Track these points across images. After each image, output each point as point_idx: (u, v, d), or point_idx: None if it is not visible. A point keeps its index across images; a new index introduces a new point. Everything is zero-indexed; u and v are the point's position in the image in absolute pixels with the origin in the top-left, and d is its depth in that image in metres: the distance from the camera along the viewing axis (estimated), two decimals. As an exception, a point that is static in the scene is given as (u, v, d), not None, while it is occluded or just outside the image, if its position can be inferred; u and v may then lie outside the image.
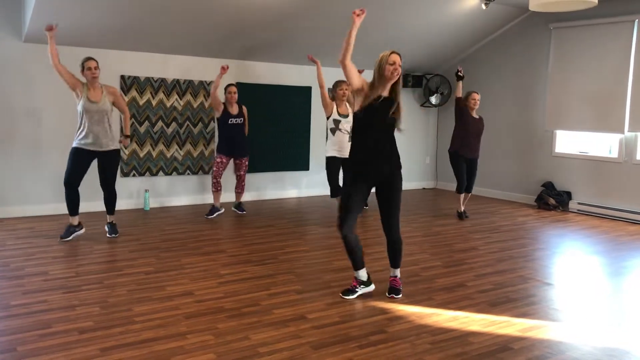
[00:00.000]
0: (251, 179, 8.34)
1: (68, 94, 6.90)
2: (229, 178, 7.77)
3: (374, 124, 4.15)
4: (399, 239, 4.31)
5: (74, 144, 5.69)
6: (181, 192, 7.92)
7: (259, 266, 5.06)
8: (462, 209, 7.50)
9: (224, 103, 7.05)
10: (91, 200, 7.10)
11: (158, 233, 6.21)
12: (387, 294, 4.34)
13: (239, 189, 7.36)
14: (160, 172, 7.69)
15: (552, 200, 8.25)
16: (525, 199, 8.85)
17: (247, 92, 8.09)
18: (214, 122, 7.97)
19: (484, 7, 7.79)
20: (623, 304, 4.38)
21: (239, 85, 8.05)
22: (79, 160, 5.69)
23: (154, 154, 7.61)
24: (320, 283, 4.62)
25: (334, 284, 4.58)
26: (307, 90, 8.79)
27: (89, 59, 5.64)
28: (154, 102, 7.53)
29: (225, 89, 7.07)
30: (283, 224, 6.87)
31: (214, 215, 7.08)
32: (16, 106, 6.71)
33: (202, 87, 7.86)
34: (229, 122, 7.01)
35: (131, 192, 7.54)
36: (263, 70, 8.38)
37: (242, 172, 7.27)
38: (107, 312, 3.86)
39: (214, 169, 7.10)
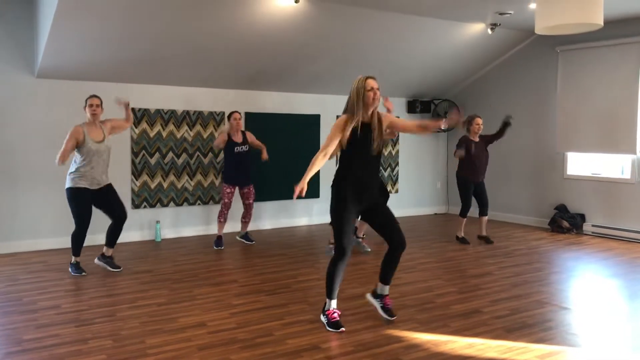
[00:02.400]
0: (262, 207, 8.34)
1: (80, 128, 6.98)
2: (234, 207, 7.76)
3: (363, 154, 4.13)
4: (405, 240, 4.27)
5: (75, 185, 5.56)
6: (192, 223, 7.92)
7: (271, 296, 5.03)
8: (462, 234, 7.47)
9: (227, 133, 7.03)
10: (97, 232, 7.13)
11: (170, 264, 6.20)
12: (384, 314, 4.33)
13: (247, 217, 7.31)
14: (171, 203, 7.72)
15: (566, 223, 8.17)
16: (538, 222, 8.77)
17: (256, 121, 8.15)
18: (223, 152, 8.00)
19: (489, 31, 7.84)
20: (643, 328, 4.30)
21: (248, 115, 8.12)
22: (87, 200, 5.64)
23: (165, 185, 7.65)
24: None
25: (347, 313, 4.53)
26: (315, 118, 8.83)
27: (92, 96, 5.70)
28: (164, 134, 7.59)
29: (229, 116, 7.04)
30: (295, 252, 6.84)
31: (221, 247, 7.04)
32: (28, 140, 6.78)
33: (212, 118, 7.92)
34: (235, 150, 6.99)
35: (142, 224, 7.55)
36: (271, 99, 8.44)
37: (251, 201, 7.21)
38: (119, 345, 3.84)
39: (225, 200, 7.03)
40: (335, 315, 4.19)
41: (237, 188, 7.16)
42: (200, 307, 4.69)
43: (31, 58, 6.76)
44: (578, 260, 6.57)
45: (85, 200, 5.62)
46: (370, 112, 4.12)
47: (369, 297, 4.49)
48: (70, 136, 5.50)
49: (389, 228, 4.25)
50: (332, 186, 4.32)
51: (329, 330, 4.13)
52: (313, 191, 8.91)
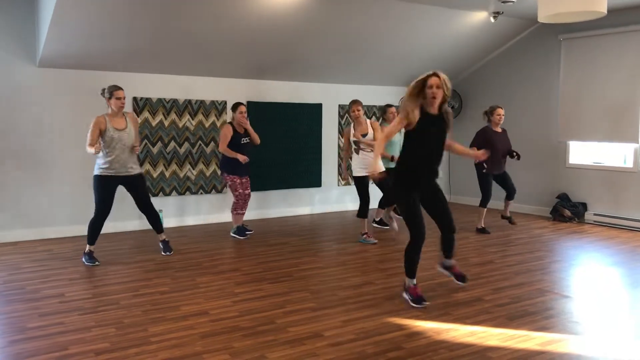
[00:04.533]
0: (264, 196, 8.36)
1: (82, 117, 6.99)
2: (228, 198, 7.76)
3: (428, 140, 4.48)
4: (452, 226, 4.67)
5: (100, 172, 5.69)
6: (194, 212, 7.94)
7: (273, 284, 5.04)
8: (482, 224, 7.47)
9: (230, 124, 6.89)
10: (107, 221, 7.17)
11: (173, 253, 6.22)
12: (456, 281, 4.81)
13: (244, 208, 7.09)
14: (174, 192, 7.73)
15: (568, 211, 8.17)
16: (540, 211, 8.78)
17: (259, 110, 8.14)
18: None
19: (492, 19, 7.80)
20: (644, 316, 4.31)
21: (250, 104, 8.11)
22: (108, 188, 5.75)
23: (167, 174, 7.66)
24: (336, 300, 4.59)
25: (349, 301, 4.55)
26: (318, 107, 8.82)
27: (118, 88, 5.69)
28: (166, 123, 7.59)
29: (235, 108, 6.87)
30: (297, 241, 6.85)
31: (249, 233, 7.06)
32: (31, 129, 6.79)
33: (214, 107, 7.91)
34: (241, 142, 6.87)
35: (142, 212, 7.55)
36: (274, 88, 8.42)
37: (248, 191, 7.01)
38: (123, 333, 3.86)
39: (240, 191, 6.87)
40: (418, 291, 4.49)
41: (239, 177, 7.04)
42: (203, 295, 4.72)
43: (32, 47, 6.75)
44: (580, 249, 6.58)
45: (107, 188, 5.72)
46: (436, 105, 4.42)
47: (439, 268, 4.95)
48: (93, 126, 5.57)
49: (445, 216, 4.64)
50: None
51: (413, 307, 4.39)
52: (315, 180, 8.91)
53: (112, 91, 5.66)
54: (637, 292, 4.96)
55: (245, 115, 6.88)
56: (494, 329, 3.96)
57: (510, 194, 7.52)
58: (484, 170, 7.29)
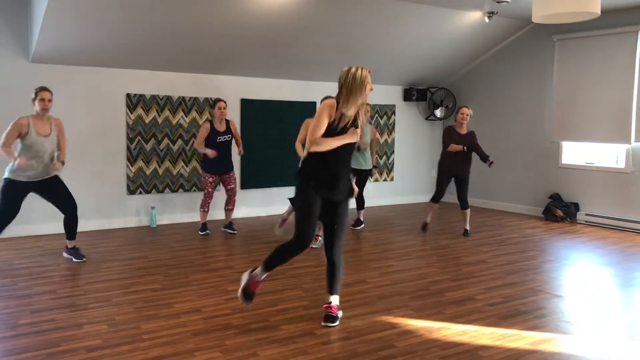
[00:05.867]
0: (256, 194, 8.35)
1: (73, 113, 6.96)
2: (222, 196, 7.76)
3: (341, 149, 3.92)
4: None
5: (11, 176, 5.32)
6: (188, 209, 7.92)
7: (266, 282, 5.03)
8: (429, 219, 7.27)
9: (210, 121, 6.85)
10: (95, 219, 7.16)
11: (165, 250, 6.21)
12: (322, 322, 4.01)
13: (231, 205, 7.10)
14: (167, 189, 7.71)
15: (560, 211, 8.20)
16: (532, 211, 8.81)
17: (252, 108, 8.13)
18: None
19: (486, 20, 7.82)
20: (634, 316, 4.33)
21: (244, 101, 8.10)
22: (19, 193, 5.42)
23: (160, 171, 7.64)
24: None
25: (341, 299, 4.54)
26: (311, 106, 8.81)
27: (43, 89, 5.35)
28: (159, 120, 7.57)
29: (214, 104, 6.82)
30: (289, 239, 6.83)
31: (207, 232, 7.03)
32: (23, 126, 6.75)
33: (208, 104, 7.89)
34: (217, 140, 6.79)
35: (138, 210, 7.55)
36: (268, 86, 8.41)
37: (232, 186, 7.02)
38: (115, 330, 3.85)
39: (209, 189, 6.90)
40: (259, 286, 4.10)
41: (217, 177, 7.02)
42: (196, 292, 4.71)
43: (25, 43, 6.71)
44: (571, 249, 6.61)
45: (17, 193, 5.41)
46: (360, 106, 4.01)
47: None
48: (12, 133, 5.22)
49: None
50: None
51: (237, 298, 4.07)
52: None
53: (38, 91, 5.34)
54: (628, 292, 4.99)
55: (225, 111, 6.84)
56: (485, 328, 3.97)
57: (464, 202, 7.15)
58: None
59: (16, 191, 5.40)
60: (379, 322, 4.08)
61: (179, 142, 7.74)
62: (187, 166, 7.83)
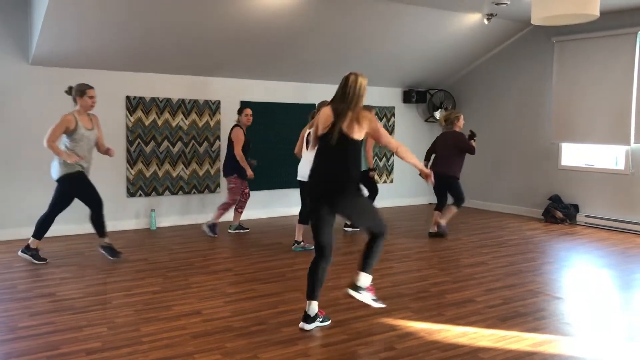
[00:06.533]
0: (257, 196, 8.34)
1: (74, 116, 6.95)
2: (221, 198, 7.76)
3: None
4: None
5: (66, 171, 5.53)
6: (187, 211, 7.92)
7: (266, 284, 5.04)
8: (435, 226, 7.24)
9: (239, 127, 7.02)
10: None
11: (165, 252, 6.21)
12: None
13: (243, 207, 7.32)
14: (167, 192, 7.71)
15: (560, 213, 8.20)
16: (532, 213, 8.81)
17: (252, 110, 8.12)
18: (219, 140, 8.00)
19: (486, 22, 7.82)
20: (634, 317, 4.33)
21: (243, 103, 8.11)
22: (87, 181, 5.65)
23: (160, 173, 7.64)
24: (328, 300, 4.59)
25: (341, 302, 4.55)
26: (308, 108, 8.80)
27: (91, 87, 5.59)
28: (159, 122, 7.57)
29: (242, 111, 7.07)
30: (289, 241, 6.85)
31: (247, 229, 7.37)
32: (22, 128, 6.76)
33: (207, 107, 7.90)
34: (249, 145, 7.17)
35: (138, 212, 7.55)
36: (267, 88, 8.42)
37: (248, 189, 7.26)
38: (114, 333, 3.85)
39: (245, 190, 7.18)
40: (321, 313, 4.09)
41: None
42: (195, 295, 4.71)
43: (25, 45, 6.71)
44: (571, 251, 6.61)
45: (88, 182, 5.68)
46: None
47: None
48: (60, 131, 5.43)
49: None
50: (355, 183, 3.99)
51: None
52: (308, 180, 8.90)
53: (85, 89, 5.55)
54: (628, 294, 4.99)
55: (251, 118, 7.10)
56: (485, 330, 3.97)
57: (440, 202, 7.25)
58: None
59: (79, 180, 5.59)
60: (379, 324, 4.08)
61: (179, 144, 7.74)
62: (186, 169, 7.83)
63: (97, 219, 5.71)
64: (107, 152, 5.77)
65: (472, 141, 7.06)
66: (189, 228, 7.60)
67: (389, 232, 4.07)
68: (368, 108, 7.13)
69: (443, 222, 7.12)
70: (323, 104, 6.08)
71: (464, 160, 7.15)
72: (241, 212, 7.30)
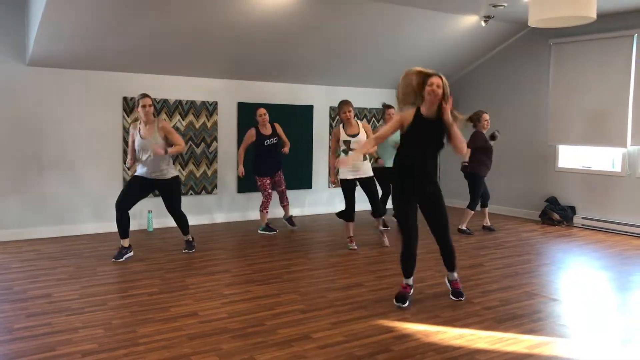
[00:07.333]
0: (255, 197, 8.34)
1: (71, 116, 6.96)
2: (219, 199, 7.77)
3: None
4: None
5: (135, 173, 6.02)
6: (185, 212, 7.88)
7: (263, 286, 5.04)
8: (488, 222, 7.82)
9: (255, 127, 7.24)
10: (91, 222, 7.14)
11: (162, 254, 6.20)
12: (451, 297, 4.68)
13: (285, 202, 7.59)
14: (164, 193, 7.69)
15: (556, 215, 8.22)
16: (529, 215, 8.82)
17: (251, 111, 8.12)
18: (216, 142, 8.00)
19: (483, 24, 7.84)
20: (631, 319, 4.34)
21: (241, 105, 8.11)
22: (132, 186, 5.97)
23: (157, 174, 7.62)
24: (325, 302, 4.59)
25: (338, 303, 4.55)
26: (309, 109, 8.83)
27: (145, 96, 5.79)
28: (156, 123, 7.55)
29: (256, 111, 7.30)
30: (287, 242, 6.85)
31: (275, 231, 7.42)
32: (20, 129, 6.74)
33: (205, 108, 7.90)
34: (265, 143, 7.23)
35: (134, 213, 7.50)
36: (265, 89, 8.42)
37: (283, 187, 7.48)
38: (111, 334, 3.84)
39: (268, 191, 7.31)
40: (402, 290, 4.59)
41: (270, 178, 7.39)
42: (192, 296, 4.70)
43: (22, 46, 6.70)
44: (568, 253, 6.62)
45: (130, 186, 6.01)
46: (433, 107, 4.57)
47: (446, 281, 4.86)
48: (130, 135, 5.96)
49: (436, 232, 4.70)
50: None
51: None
52: (306, 182, 8.91)
53: (139, 99, 5.80)
54: (624, 296, 5.00)
55: (266, 116, 7.25)
56: (482, 332, 3.97)
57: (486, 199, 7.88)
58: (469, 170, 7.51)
59: (132, 184, 6.00)
60: (376, 325, 4.07)
61: (176, 145, 7.72)
62: (184, 170, 7.82)
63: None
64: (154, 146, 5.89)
65: (492, 141, 7.51)
66: (185, 229, 7.58)
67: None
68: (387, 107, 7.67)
69: (473, 222, 7.75)
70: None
71: (482, 158, 7.45)
72: (266, 212, 7.38)
